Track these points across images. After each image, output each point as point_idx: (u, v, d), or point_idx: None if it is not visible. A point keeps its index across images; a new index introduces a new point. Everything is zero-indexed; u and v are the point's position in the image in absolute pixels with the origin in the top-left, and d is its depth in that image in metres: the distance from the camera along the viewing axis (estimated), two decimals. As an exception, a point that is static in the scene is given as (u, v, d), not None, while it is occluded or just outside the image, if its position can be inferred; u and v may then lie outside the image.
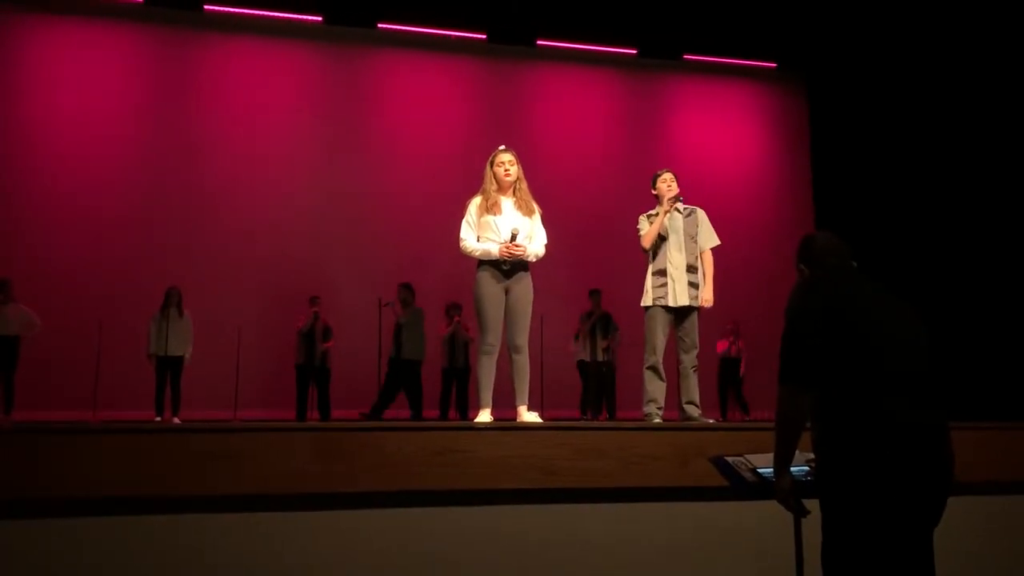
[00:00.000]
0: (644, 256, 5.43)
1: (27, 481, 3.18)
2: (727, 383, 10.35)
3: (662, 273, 5.27)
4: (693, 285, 5.26)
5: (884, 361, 2.37)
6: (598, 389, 9.61)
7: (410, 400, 9.04)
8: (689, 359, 5.27)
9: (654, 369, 5.24)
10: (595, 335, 9.60)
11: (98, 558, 3.20)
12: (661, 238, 5.32)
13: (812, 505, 2.49)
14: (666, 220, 5.33)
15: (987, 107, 9.27)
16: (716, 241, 5.43)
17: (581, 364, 9.73)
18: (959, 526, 2.87)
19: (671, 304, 5.22)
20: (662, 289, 5.25)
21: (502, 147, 4.91)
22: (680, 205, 5.41)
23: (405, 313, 9.14)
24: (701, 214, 5.45)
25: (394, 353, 9.04)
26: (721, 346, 10.33)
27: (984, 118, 9.29)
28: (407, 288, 9.21)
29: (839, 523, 2.36)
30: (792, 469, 2.54)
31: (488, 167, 4.86)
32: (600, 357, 9.58)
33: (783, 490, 2.50)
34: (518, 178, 4.85)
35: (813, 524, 2.52)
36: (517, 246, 4.68)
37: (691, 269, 5.29)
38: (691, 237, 5.34)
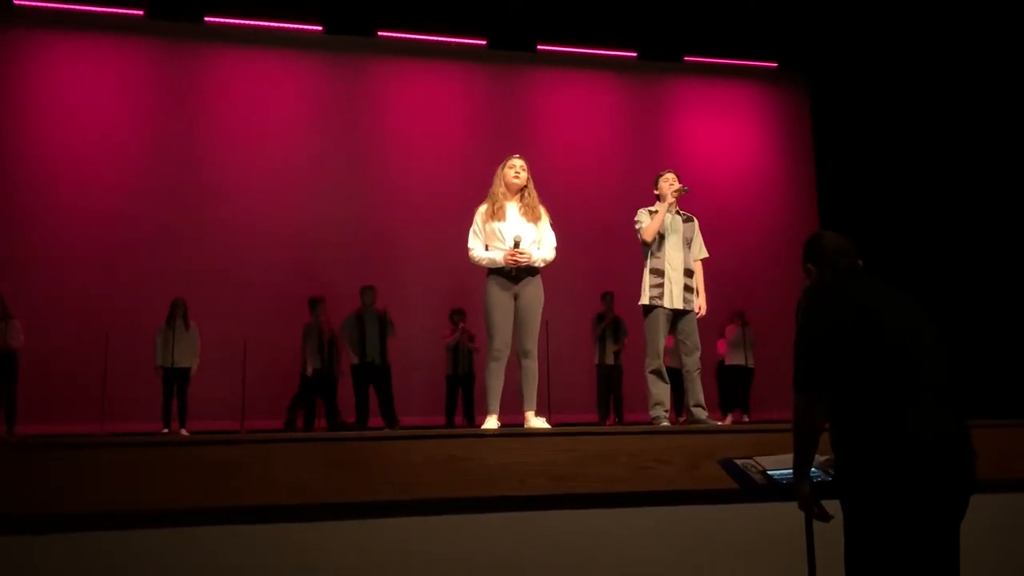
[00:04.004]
0: (642, 254, 5.42)
1: (34, 496, 3.18)
2: (733, 386, 10.26)
3: (660, 273, 5.27)
4: (688, 289, 5.27)
5: (901, 362, 2.34)
6: (606, 392, 9.59)
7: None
8: (692, 361, 5.26)
9: (657, 372, 5.24)
10: (606, 339, 9.58)
11: (106, 573, 3.20)
12: (661, 237, 5.31)
13: (832, 508, 2.47)
14: (668, 219, 5.33)
15: (991, 104, 9.24)
16: (705, 254, 5.48)
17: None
18: (983, 525, 2.84)
19: (667, 306, 5.22)
20: (659, 289, 5.25)
21: (516, 154, 4.96)
22: (680, 211, 5.41)
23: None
24: (696, 224, 5.48)
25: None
26: (721, 347, 10.24)
27: (989, 115, 9.26)
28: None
29: (862, 524, 2.34)
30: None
31: (499, 170, 4.90)
32: (610, 361, 9.56)
33: (804, 496, 2.48)
34: (526, 184, 4.87)
35: (824, 525, 2.51)
36: (521, 252, 4.68)
37: (688, 272, 5.30)
38: (687, 242, 5.36)
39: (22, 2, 10.02)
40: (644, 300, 5.31)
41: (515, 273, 4.73)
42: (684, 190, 5.36)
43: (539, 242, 4.82)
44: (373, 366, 9.00)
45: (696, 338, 5.29)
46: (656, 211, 5.35)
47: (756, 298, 10.65)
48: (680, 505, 3.73)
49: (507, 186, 4.84)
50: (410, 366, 9.61)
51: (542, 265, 4.84)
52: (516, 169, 4.85)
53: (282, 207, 10.38)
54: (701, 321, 5.40)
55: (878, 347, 2.35)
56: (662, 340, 5.25)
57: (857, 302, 2.42)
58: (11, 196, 9.80)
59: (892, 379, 2.32)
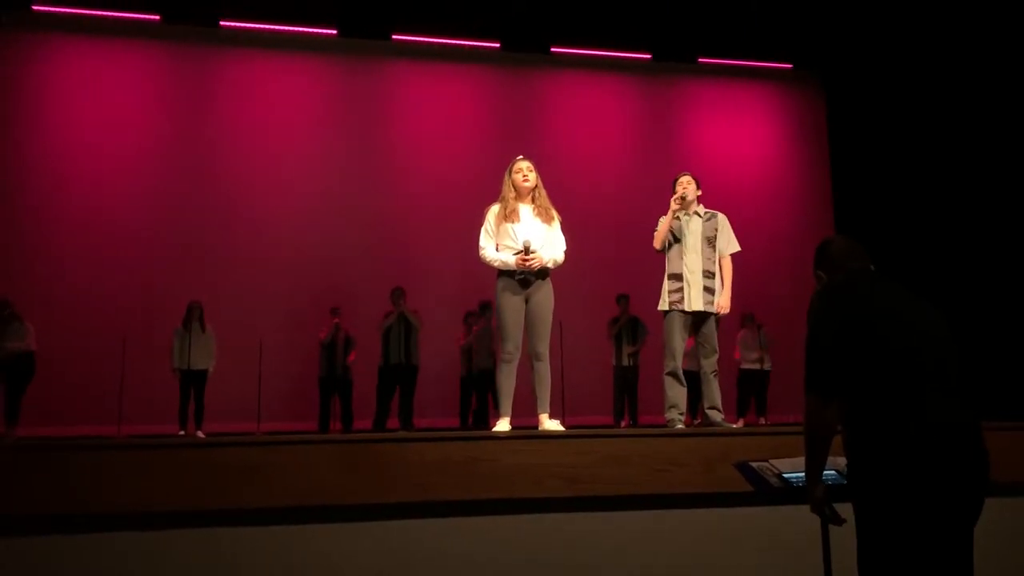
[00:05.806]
0: (662, 258, 5.40)
1: (51, 497, 3.20)
2: (748, 389, 10.19)
3: (678, 277, 5.24)
4: (709, 290, 5.21)
5: (912, 362, 2.33)
6: (622, 394, 9.57)
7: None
8: (709, 364, 5.23)
9: (674, 375, 5.21)
10: (621, 340, 9.55)
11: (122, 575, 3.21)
12: (677, 240, 5.29)
13: (845, 510, 2.45)
14: (684, 223, 5.30)
15: (1008, 102, 9.16)
16: (736, 247, 5.37)
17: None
18: (996, 527, 2.81)
19: (686, 309, 5.19)
20: (678, 294, 5.21)
21: (520, 156, 4.95)
22: (700, 209, 5.37)
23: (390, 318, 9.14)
24: (722, 219, 5.38)
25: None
26: (738, 353, 10.16)
27: (1005, 113, 9.17)
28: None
29: (874, 527, 2.33)
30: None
31: (507, 175, 4.90)
32: (626, 362, 9.54)
33: (817, 499, 2.47)
34: (536, 185, 4.87)
35: (840, 528, 2.49)
36: (532, 257, 4.68)
37: (708, 274, 5.23)
38: (708, 241, 5.28)
39: (40, 8, 10.13)
40: (663, 306, 5.28)
41: (526, 276, 4.74)
42: (682, 198, 5.29)
43: (549, 243, 4.82)
44: (396, 367, 9.00)
45: (715, 341, 5.26)
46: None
47: (772, 299, 10.60)
48: (695, 508, 3.71)
49: (517, 190, 4.85)
50: (424, 368, 9.62)
51: (552, 267, 4.84)
52: (524, 172, 4.85)
53: (297, 210, 10.43)
54: (719, 324, 5.36)
55: (885, 348, 2.34)
56: (679, 342, 5.22)
57: (864, 304, 2.42)
58: (30, 200, 9.91)
59: (900, 381, 2.31)
